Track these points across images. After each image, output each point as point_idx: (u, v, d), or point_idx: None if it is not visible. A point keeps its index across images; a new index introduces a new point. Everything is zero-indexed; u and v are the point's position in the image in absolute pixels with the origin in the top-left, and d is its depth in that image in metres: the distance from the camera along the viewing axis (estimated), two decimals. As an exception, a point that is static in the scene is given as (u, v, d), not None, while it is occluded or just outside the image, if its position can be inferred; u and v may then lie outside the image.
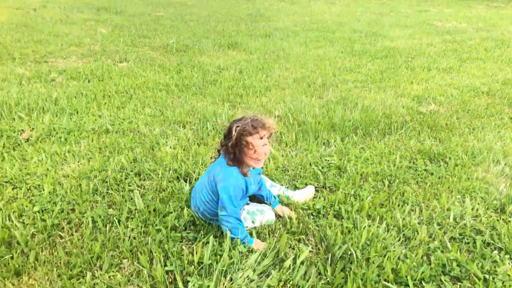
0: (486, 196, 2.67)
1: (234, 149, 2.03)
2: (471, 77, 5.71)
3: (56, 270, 1.92)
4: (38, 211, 2.35)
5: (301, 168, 3.02)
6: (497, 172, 3.01)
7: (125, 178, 2.74)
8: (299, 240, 2.21)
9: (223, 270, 1.91)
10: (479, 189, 2.75)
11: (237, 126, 2.00)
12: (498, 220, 2.41)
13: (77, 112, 4.00)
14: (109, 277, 1.89)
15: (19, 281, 1.88)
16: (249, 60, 6.53)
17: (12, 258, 1.98)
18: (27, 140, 3.31)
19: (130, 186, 2.66)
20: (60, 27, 8.75)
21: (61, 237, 2.17)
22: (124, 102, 4.38)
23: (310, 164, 3.06)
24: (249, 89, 4.98)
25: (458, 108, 4.46)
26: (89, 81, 5.14)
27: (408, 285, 1.89)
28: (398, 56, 7.00)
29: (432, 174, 2.98)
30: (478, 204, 2.57)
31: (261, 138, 2.01)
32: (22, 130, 3.45)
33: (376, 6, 14.91)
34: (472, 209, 2.52)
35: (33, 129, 3.51)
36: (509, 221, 2.41)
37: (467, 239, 2.25)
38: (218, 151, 2.19)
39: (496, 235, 2.28)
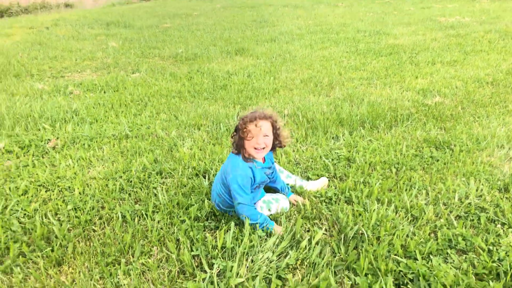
0: (490, 177, 2.80)
1: (236, 136, 2.26)
2: (475, 69, 5.81)
3: (93, 259, 2.11)
4: (72, 209, 2.55)
5: (312, 161, 3.18)
6: (501, 156, 3.13)
7: (148, 177, 2.94)
8: (313, 225, 2.37)
9: (244, 252, 2.07)
10: (483, 172, 2.87)
11: (246, 118, 2.21)
12: (501, 199, 2.54)
13: (97, 121, 4.23)
14: (141, 263, 2.07)
15: (60, 270, 2.08)
16: (256, 64, 6.73)
17: (52, 250, 2.18)
18: (54, 148, 3.54)
19: (153, 184, 2.85)
20: (73, 43, 9.09)
21: (94, 231, 2.36)
22: (140, 109, 4.60)
23: (320, 157, 3.22)
24: (258, 91, 5.17)
25: (463, 99, 4.58)
26: (104, 92, 5.39)
27: (417, 259, 2.03)
28: (402, 52, 7.13)
29: (438, 160, 3.12)
30: (482, 185, 2.70)
31: (256, 126, 2.18)
32: (48, 139, 3.68)
33: (379, 6, 15.04)
34: (477, 189, 2.65)
35: (57, 138, 3.74)
36: (512, 199, 2.53)
37: (471, 216, 2.38)
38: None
39: (499, 212, 2.41)
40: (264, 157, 2.36)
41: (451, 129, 3.70)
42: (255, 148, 2.22)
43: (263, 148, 2.24)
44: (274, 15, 13.51)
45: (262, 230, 2.22)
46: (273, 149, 2.42)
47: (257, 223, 2.22)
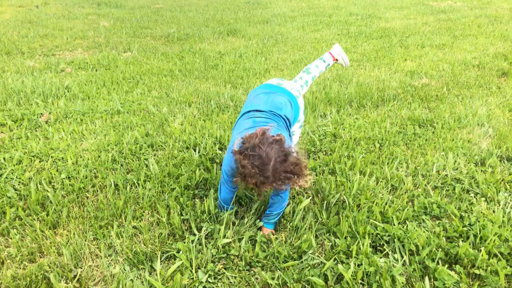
0: (468, 152, 2.93)
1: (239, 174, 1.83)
2: (463, 52, 5.92)
3: (87, 222, 2.20)
4: (65, 178, 2.64)
5: (299, 137, 3.28)
6: (480, 133, 3.26)
7: (140, 149, 3.02)
8: (297, 193, 2.48)
9: (230, 218, 2.18)
10: (462, 147, 3.01)
11: (253, 169, 1.74)
12: (477, 171, 2.67)
13: (89, 97, 4.28)
14: (133, 226, 2.18)
15: (55, 232, 2.17)
16: (248, 45, 6.77)
17: (47, 214, 2.27)
18: (46, 122, 3.59)
19: (144, 155, 2.94)
20: (64, 22, 8.99)
21: (88, 198, 2.45)
22: (131, 87, 4.64)
23: (307, 133, 3.33)
24: (249, 71, 5.23)
25: (449, 81, 4.69)
26: (96, 70, 5.41)
27: (394, 224, 2.16)
28: (393, 35, 7.21)
29: (420, 137, 3.24)
30: (460, 159, 2.84)
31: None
32: (41, 113, 3.73)
33: (372, -10, 14.98)
34: (454, 162, 2.78)
35: (50, 112, 3.78)
36: (487, 171, 2.67)
37: (447, 187, 2.52)
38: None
39: (474, 183, 2.55)
40: None
41: (435, 109, 3.82)
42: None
43: None
44: (267, -2, 13.42)
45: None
46: None
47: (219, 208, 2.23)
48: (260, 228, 2.18)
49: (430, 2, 11.15)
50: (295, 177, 1.78)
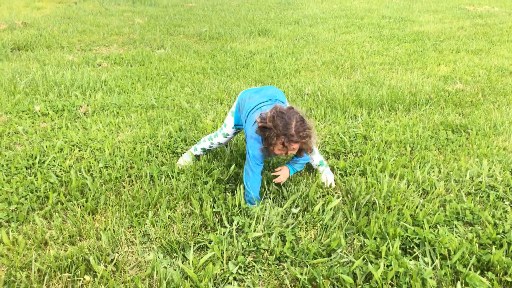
0: (504, 160, 2.86)
1: (265, 141, 2.12)
2: (500, 58, 5.76)
3: (123, 210, 2.30)
4: (103, 167, 2.75)
5: (330, 137, 3.30)
6: (517, 141, 3.18)
7: (173, 143, 3.11)
8: (327, 193, 2.51)
9: (262, 212, 2.23)
10: (497, 154, 2.94)
11: (278, 130, 2.02)
12: (513, 180, 2.62)
13: (124, 91, 4.43)
14: (168, 216, 2.26)
15: (93, 218, 2.28)
16: (279, 45, 6.81)
17: (86, 201, 2.39)
18: (85, 113, 3.75)
19: (178, 149, 3.02)
20: (100, 19, 9.30)
21: (124, 187, 2.56)
22: (165, 83, 4.77)
23: (338, 134, 3.33)
24: (280, 71, 5.27)
25: (485, 87, 4.58)
26: (131, 66, 5.58)
27: (424, 227, 2.15)
28: (426, 39, 7.08)
29: (453, 142, 3.19)
30: (495, 166, 2.78)
31: (288, 148, 2.08)
32: (80, 105, 3.89)
33: (406, -7, 14.72)
34: (489, 170, 2.73)
35: (88, 104, 3.94)
36: (523, 180, 2.61)
37: (481, 193, 2.48)
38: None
39: (509, 191, 2.49)
40: None
41: (470, 115, 3.75)
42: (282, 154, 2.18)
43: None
44: (298, -1, 13.42)
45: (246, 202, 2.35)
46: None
47: (248, 198, 2.33)
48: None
49: (466, 6, 10.86)
50: (312, 137, 2.11)
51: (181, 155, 2.95)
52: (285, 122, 2.02)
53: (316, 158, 2.65)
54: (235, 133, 2.67)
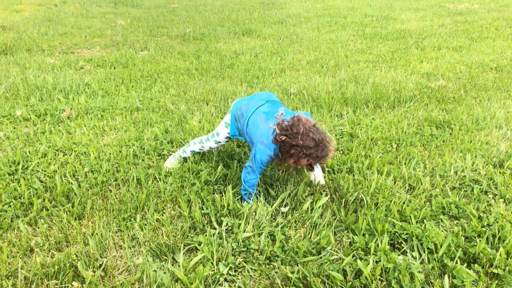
0: (486, 154, 2.93)
1: (285, 154, 2.12)
2: (481, 55, 5.88)
3: (111, 214, 2.27)
4: (89, 171, 2.71)
5: (316, 135, 3.31)
6: (499, 135, 3.25)
7: (160, 145, 3.08)
8: (315, 191, 2.52)
9: (249, 213, 2.23)
10: (480, 149, 3.00)
11: (307, 150, 2.04)
12: (495, 173, 2.67)
13: (108, 94, 4.37)
14: (156, 219, 2.23)
15: (80, 223, 2.24)
16: (263, 45, 6.81)
17: (72, 206, 2.35)
18: (68, 117, 3.68)
19: (164, 151, 3.00)
20: (82, 21, 9.15)
21: (111, 191, 2.52)
22: (149, 85, 4.72)
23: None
24: (265, 71, 5.27)
25: (466, 83, 4.67)
26: (114, 68, 5.51)
27: (412, 223, 2.18)
28: (409, 37, 7.18)
29: (437, 138, 3.25)
30: (478, 160, 2.84)
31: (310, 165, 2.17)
32: (63, 109, 3.82)
33: (387, -9, 14.91)
34: (472, 164, 2.78)
35: (71, 108, 3.88)
36: (506, 173, 2.67)
37: (465, 187, 2.53)
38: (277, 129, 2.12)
39: (493, 184, 2.55)
40: None
41: (453, 111, 3.82)
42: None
43: None
44: (282, -2, 13.46)
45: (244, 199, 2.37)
46: None
47: (246, 193, 2.35)
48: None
49: (446, 4, 11.06)
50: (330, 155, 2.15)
51: (168, 157, 2.92)
52: (315, 143, 2.05)
53: None
54: (227, 141, 2.69)
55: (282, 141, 2.07)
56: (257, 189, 2.41)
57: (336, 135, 3.32)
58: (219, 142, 2.67)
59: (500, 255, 1.89)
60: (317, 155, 2.06)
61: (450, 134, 3.31)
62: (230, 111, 2.55)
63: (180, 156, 2.80)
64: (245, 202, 2.33)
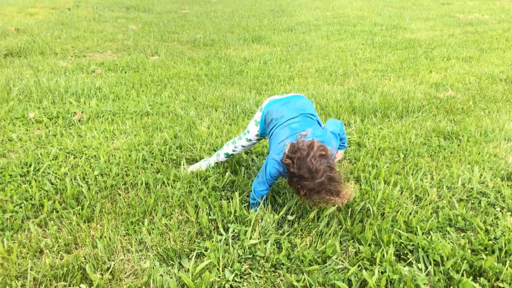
0: (494, 166, 2.92)
1: (289, 179, 2.05)
2: (490, 66, 5.86)
3: (119, 218, 2.30)
4: (98, 175, 2.75)
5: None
6: (507, 148, 3.24)
7: (169, 150, 3.12)
8: (322, 200, 2.53)
9: (257, 219, 2.24)
10: (488, 161, 3.00)
11: (300, 178, 1.95)
12: (503, 186, 2.66)
13: (119, 98, 4.43)
14: (164, 223, 2.26)
15: (89, 226, 2.28)
16: (272, 52, 6.86)
17: (82, 209, 2.39)
18: (79, 120, 3.74)
19: (173, 156, 3.03)
20: (94, 25, 9.29)
21: (119, 195, 2.56)
22: (159, 90, 4.78)
23: (332, 141, 3.36)
24: (274, 78, 5.31)
25: (475, 94, 4.66)
26: (125, 72, 5.59)
27: (418, 234, 2.18)
28: (418, 47, 7.18)
29: (445, 149, 3.24)
30: (486, 172, 2.83)
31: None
32: (74, 112, 3.89)
33: (397, 0, 14.94)
34: (480, 176, 2.78)
35: (83, 111, 3.94)
36: (514, 186, 2.66)
37: (473, 200, 2.52)
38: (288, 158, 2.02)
39: (500, 197, 2.54)
40: None
41: (461, 122, 3.81)
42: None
43: None
44: (292, 5, 13.55)
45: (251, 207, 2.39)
46: None
47: (254, 202, 2.35)
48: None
49: (456, 14, 11.05)
50: (336, 195, 1.94)
51: (178, 162, 2.96)
52: (310, 173, 1.90)
53: None
54: (258, 140, 2.64)
55: (287, 164, 1.99)
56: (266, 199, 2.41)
57: (343, 144, 3.32)
58: (250, 140, 2.61)
59: (507, 269, 1.88)
60: (313, 187, 1.91)
61: (458, 145, 3.30)
62: (262, 109, 2.48)
63: (214, 161, 2.80)
64: (252, 209, 2.34)
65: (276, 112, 2.37)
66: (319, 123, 2.41)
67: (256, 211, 2.31)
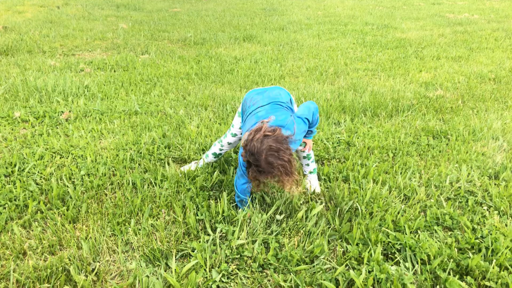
0: (482, 165, 2.93)
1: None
2: (479, 65, 5.91)
3: (105, 218, 2.27)
4: (85, 174, 2.71)
5: (313, 143, 3.32)
6: (495, 147, 3.26)
7: (157, 150, 3.09)
8: (311, 199, 2.52)
9: (245, 219, 2.23)
10: (476, 160, 3.01)
11: (256, 165, 1.92)
12: (491, 185, 2.68)
13: (107, 97, 4.38)
14: (150, 224, 2.23)
15: (75, 226, 2.24)
16: (263, 51, 6.84)
17: (67, 209, 2.35)
18: (67, 119, 3.69)
19: (161, 156, 3.00)
20: (84, 23, 9.19)
21: (106, 195, 2.52)
22: (149, 88, 4.74)
23: (321, 140, 3.36)
24: (264, 77, 5.29)
25: (464, 93, 4.69)
26: (115, 71, 5.53)
27: (405, 233, 2.19)
28: (408, 46, 7.21)
29: (433, 148, 3.26)
30: (474, 171, 2.84)
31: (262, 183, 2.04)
32: (62, 111, 3.83)
33: (388, 0, 15.01)
34: (468, 175, 2.79)
35: (70, 111, 3.89)
36: (501, 185, 2.67)
37: (460, 198, 2.53)
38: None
39: (487, 196, 2.55)
40: None
41: (450, 121, 3.83)
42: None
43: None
44: (283, 4, 13.54)
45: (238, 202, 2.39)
46: None
47: (239, 200, 2.36)
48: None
49: (446, 14, 11.12)
50: (287, 175, 1.90)
51: (167, 162, 2.93)
52: (251, 153, 1.88)
53: (312, 165, 2.67)
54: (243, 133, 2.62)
55: (244, 148, 1.98)
56: (252, 196, 2.41)
57: (333, 143, 3.32)
58: (236, 134, 2.58)
59: (493, 268, 1.89)
60: (256, 169, 1.91)
61: (447, 144, 3.32)
62: (243, 99, 2.49)
63: (204, 161, 2.78)
64: (240, 209, 2.33)
65: (250, 100, 2.37)
66: (292, 110, 2.35)
67: (244, 210, 2.29)
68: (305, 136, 2.41)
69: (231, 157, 2.99)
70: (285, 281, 1.89)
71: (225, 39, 7.73)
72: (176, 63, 5.99)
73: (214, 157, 2.76)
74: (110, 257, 2.03)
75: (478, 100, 4.44)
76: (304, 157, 2.63)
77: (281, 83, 5.07)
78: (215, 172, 2.69)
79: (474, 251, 2.07)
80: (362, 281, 1.83)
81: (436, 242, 2.12)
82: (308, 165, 2.67)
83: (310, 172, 2.67)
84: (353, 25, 9.45)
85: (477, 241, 2.11)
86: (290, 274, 1.92)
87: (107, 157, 2.96)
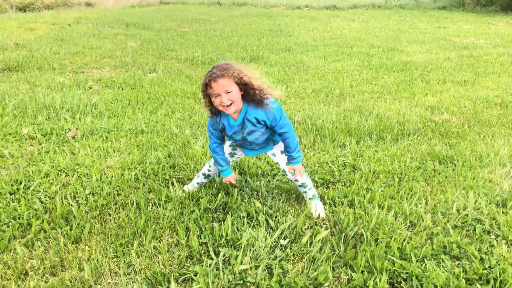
0: (489, 192, 2.90)
1: (205, 100, 2.25)
2: (485, 90, 5.91)
3: (108, 239, 2.26)
4: (89, 194, 2.72)
5: (319, 166, 3.31)
6: (502, 173, 3.23)
7: (162, 170, 3.09)
8: (315, 223, 2.50)
9: (248, 243, 2.21)
10: (483, 187, 2.98)
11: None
12: (498, 213, 2.64)
13: (114, 115, 4.42)
14: (153, 246, 2.22)
15: (77, 247, 2.23)
16: (270, 72, 6.91)
17: (71, 229, 2.34)
18: (73, 137, 3.72)
19: (166, 176, 3.00)
20: (94, 41, 9.37)
21: (110, 215, 2.52)
22: (156, 107, 4.78)
23: (326, 163, 3.35)
24: (271, 98, 5.32)
25: (470, 118, 4.68)
26: (122, 89, 5.60)
27: (412, 261, 2.15)
28: (414, 69, 7.25)
29: (440, 173, 3.23)
30: (481, 198, 2.81)
31: (214, 87, 2.11)
32: (69, 129, 3.87)
33: (394, 23, 15.19)
34: (475, 202, 2.76)
35: (77, 128, 3.92)
36: (509, 213, 2.64)
37: (468, 226, 2.49)
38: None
39: (495, 224, 2.51)
40: (244, 116, 2.29)
41: (456, 146, 3.81)
42: (222, 106, 2.16)
43: (230, 104, 2.16)
44: (290, 26, 13.74)
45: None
46: (257, 102, 2.30)
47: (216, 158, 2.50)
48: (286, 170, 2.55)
49: (452, 38, 11.22)
50: (236, 72, 2.15)
51: (171, 182, 2.92)
52: (207, 74, 2.16)
53: (311, 192, 2.64)
54: (229, 149, 2.66)
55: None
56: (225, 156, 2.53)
57: (338, 166, 3.31)
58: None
59: (502, 300, 1.85)
60: (208, 77, 2.13)
61: (453, 170, 3.29)
62: None
63: (196, 182, 2.80)
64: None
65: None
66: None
67: (221, 171, 2.51)
68: (290, 162, 2.47)
69: (236, 179, 2.98)
70: (288, 309, 1.85)
71: (232, 59, 7.82)
72: (183, 82, 6.06)
73: (204, 178, 2.79)
74: (112, 280, 2.01)
75: (484, 125, 4.42)
76: (300, 186, 2.61)
77: (287, 104, 5.10)
78: (220, 194, 2.68)
79: (482, 282, 2.03)
80: (367, 311, 1.79)
81: (443, 271, 2.08)
82: (306, 192, 2.65)
83: (310, 199, 2.65)
84: (359, 47, 9.55)
85: (485, 271, 2.07)
86: (294, 301, 1.89)
87: (112, 176, 2.97)
